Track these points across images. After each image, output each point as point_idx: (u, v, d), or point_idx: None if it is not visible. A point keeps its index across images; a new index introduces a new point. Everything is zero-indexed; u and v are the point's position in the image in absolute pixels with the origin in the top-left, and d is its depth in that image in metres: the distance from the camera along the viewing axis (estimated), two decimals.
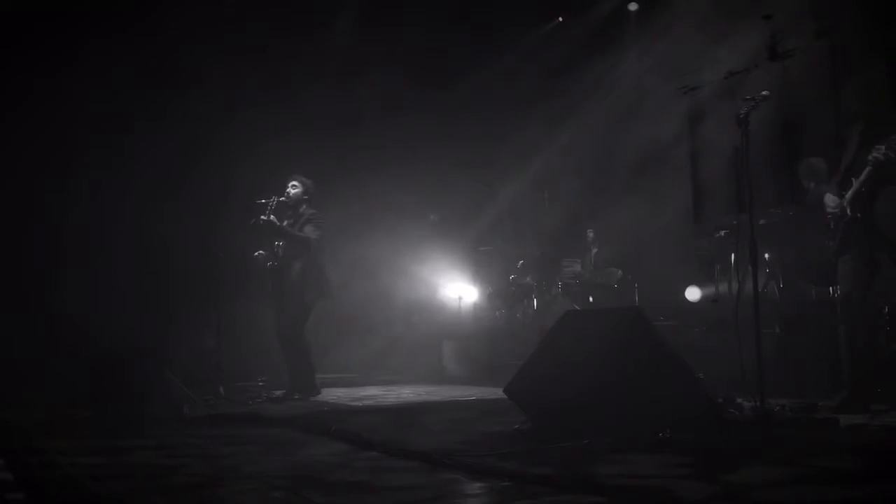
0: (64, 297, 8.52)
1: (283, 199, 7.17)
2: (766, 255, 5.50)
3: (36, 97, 8.31)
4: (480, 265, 10.68)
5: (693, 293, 8.44)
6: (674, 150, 9.51)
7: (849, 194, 5.10)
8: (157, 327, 8.99)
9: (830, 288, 5.61)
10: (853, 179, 5.07)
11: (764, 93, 4.91)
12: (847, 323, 5.06)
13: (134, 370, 8.11)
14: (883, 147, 4.85)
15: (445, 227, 10.67)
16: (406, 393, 7.73)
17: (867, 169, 4.96)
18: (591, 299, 9.12)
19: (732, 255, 6.88)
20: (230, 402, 6.99)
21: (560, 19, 10.86)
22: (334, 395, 7.39)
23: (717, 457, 3.77)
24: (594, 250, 9.49)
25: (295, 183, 7.26)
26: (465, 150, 10.41)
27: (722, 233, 7.22)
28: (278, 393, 7.20)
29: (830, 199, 5.26)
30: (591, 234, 9.60)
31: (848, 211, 5.09)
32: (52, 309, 8.38)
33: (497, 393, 5.51)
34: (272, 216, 6.97)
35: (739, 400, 5.00)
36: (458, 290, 10.62)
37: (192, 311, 9.35)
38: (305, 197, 7.26)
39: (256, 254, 7.19)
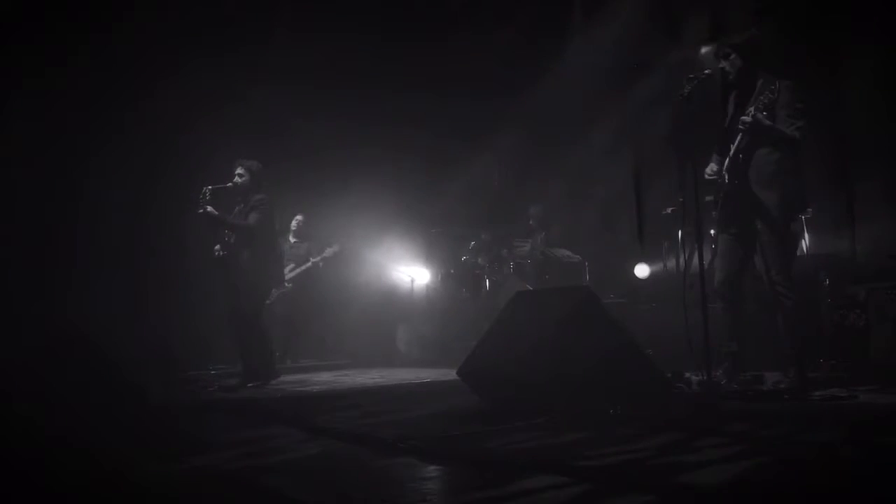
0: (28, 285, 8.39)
1: (230, 185, 7.09)
2: (712, 232, 5.56)
3: None
4: (432, 247, 10.66)
5: (642, 270, 8.57)
6: (619, 127, 9.54)
7: (726, 162, 5.03)
8: (118, 315, 8.88)
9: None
10: (731, 146, 5.02)
11: (707, 71, 4.98)
12: (790, 299, 5.03)
13: (101, 357, 8.03)
14: (752, 109, 4.81)
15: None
16: (360, 377, 7.73)
17: (740, 135, 4.90)
18: (544, 278, 9.17)
19: (679, 232, 6.96)
20: (184, 390, 6.91)
21: None
22: (288, 381, 7.35)
23: (669, 431, 3.84)
24: (542, 233, 9.49)
25: (241, 171, 7.16)
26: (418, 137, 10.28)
27: (669, 210, 7.31)
28: (232, 382, 7.13)
29: (710, 167, 5.21)
30: (533, 215, 9.55)
31: (726, 179, 5.04)
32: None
33: (451, 375, 5.53)
34: (209, 207, 6.88)
35: (688, 374, 5.11)
36: (410, 272, 10.61)
37: (147, 299, 9.23)
38: (253, 183, 7.17)
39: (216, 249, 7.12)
